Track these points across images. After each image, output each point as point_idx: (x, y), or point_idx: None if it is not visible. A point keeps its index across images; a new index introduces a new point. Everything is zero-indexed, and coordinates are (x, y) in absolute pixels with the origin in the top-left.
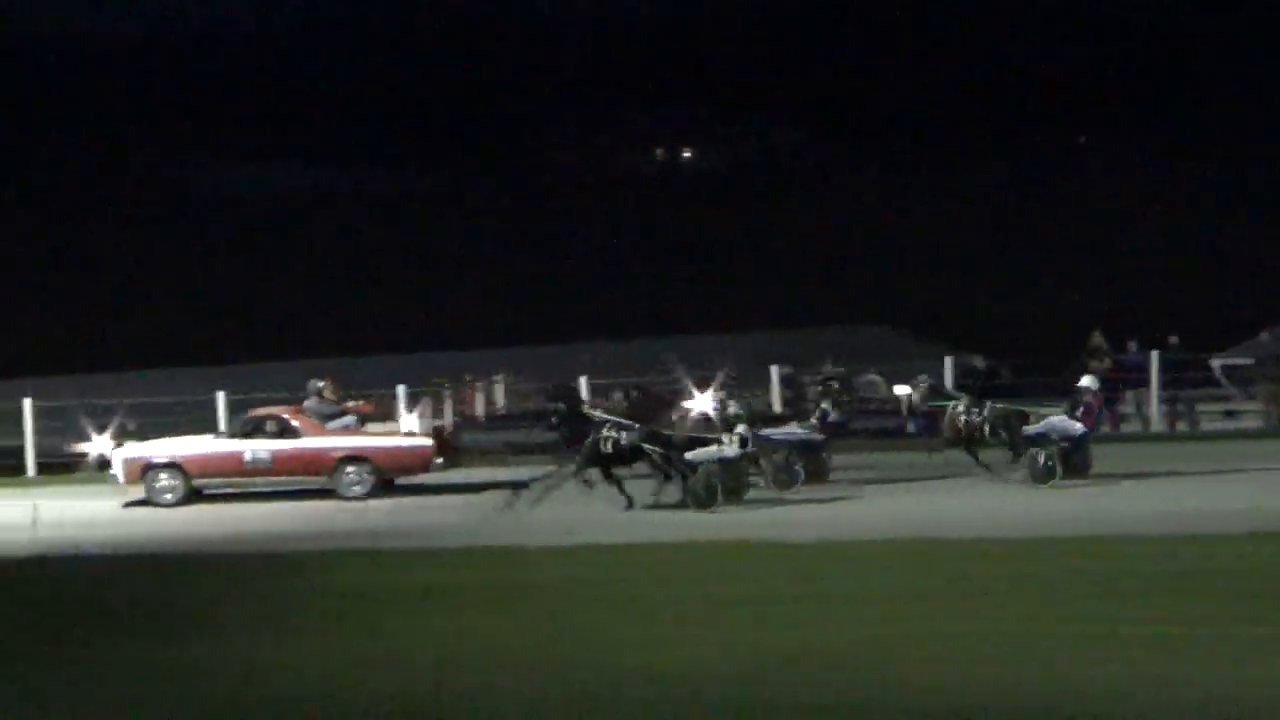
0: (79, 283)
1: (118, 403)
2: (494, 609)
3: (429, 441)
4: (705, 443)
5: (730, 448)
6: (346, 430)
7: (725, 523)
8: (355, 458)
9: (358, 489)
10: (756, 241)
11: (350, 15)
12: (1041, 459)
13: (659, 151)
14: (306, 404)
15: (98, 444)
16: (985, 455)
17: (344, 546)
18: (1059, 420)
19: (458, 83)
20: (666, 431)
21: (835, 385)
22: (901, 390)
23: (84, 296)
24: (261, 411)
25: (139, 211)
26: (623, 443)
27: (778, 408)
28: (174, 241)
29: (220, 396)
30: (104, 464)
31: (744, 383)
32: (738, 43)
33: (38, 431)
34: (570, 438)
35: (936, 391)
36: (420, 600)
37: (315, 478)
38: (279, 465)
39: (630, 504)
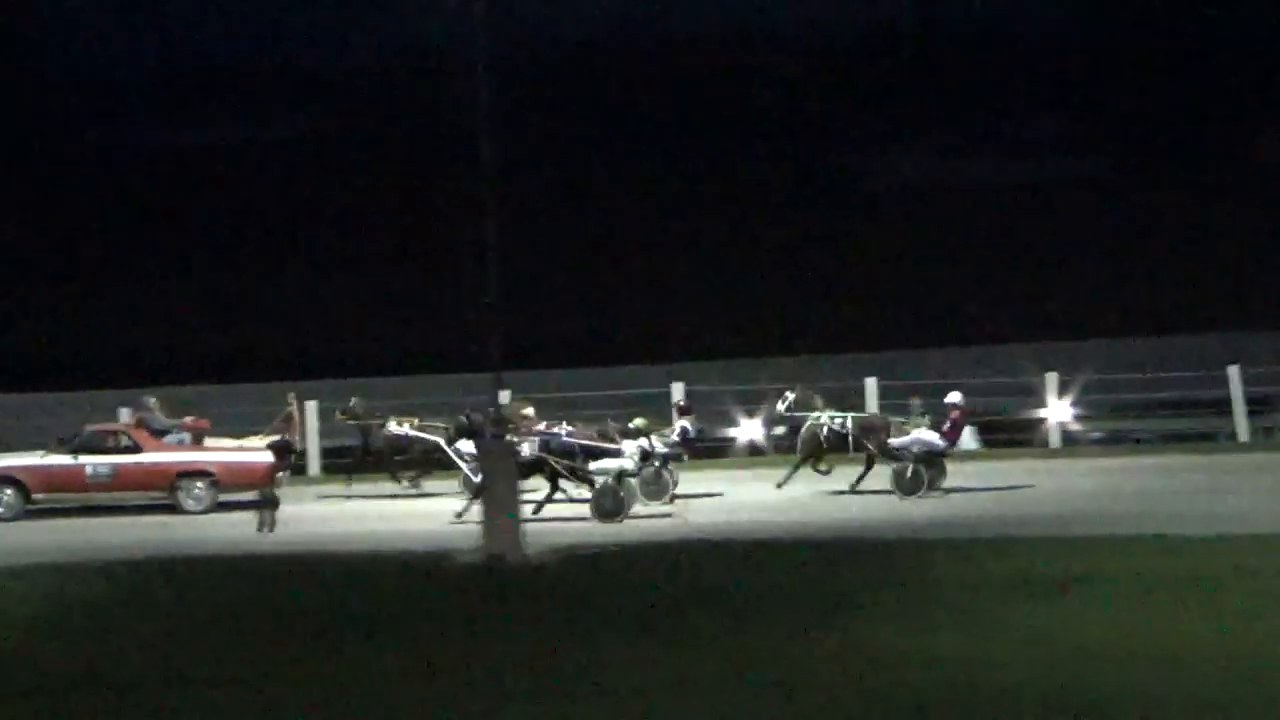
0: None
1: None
2: (1143, 600)
3: (268, 456)
4: (606, 454)
5: (630, 460)
6: (182, 446)
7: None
8: (195, 472)
9: (195, 504)
10: None
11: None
12: (909, 471)
13: None
14: (141, 419)
15: (746, 429)
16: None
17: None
18: (924, 434)
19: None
20: (570, 441)
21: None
22: None
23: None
24: (99, 426)
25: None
26: (524, 455)
27: None
28: (842, 230)
29: (871, 383)
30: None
31: None
32: None
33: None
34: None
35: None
36: (1059, 589)
37: (155, 493)
38: (120, 480)
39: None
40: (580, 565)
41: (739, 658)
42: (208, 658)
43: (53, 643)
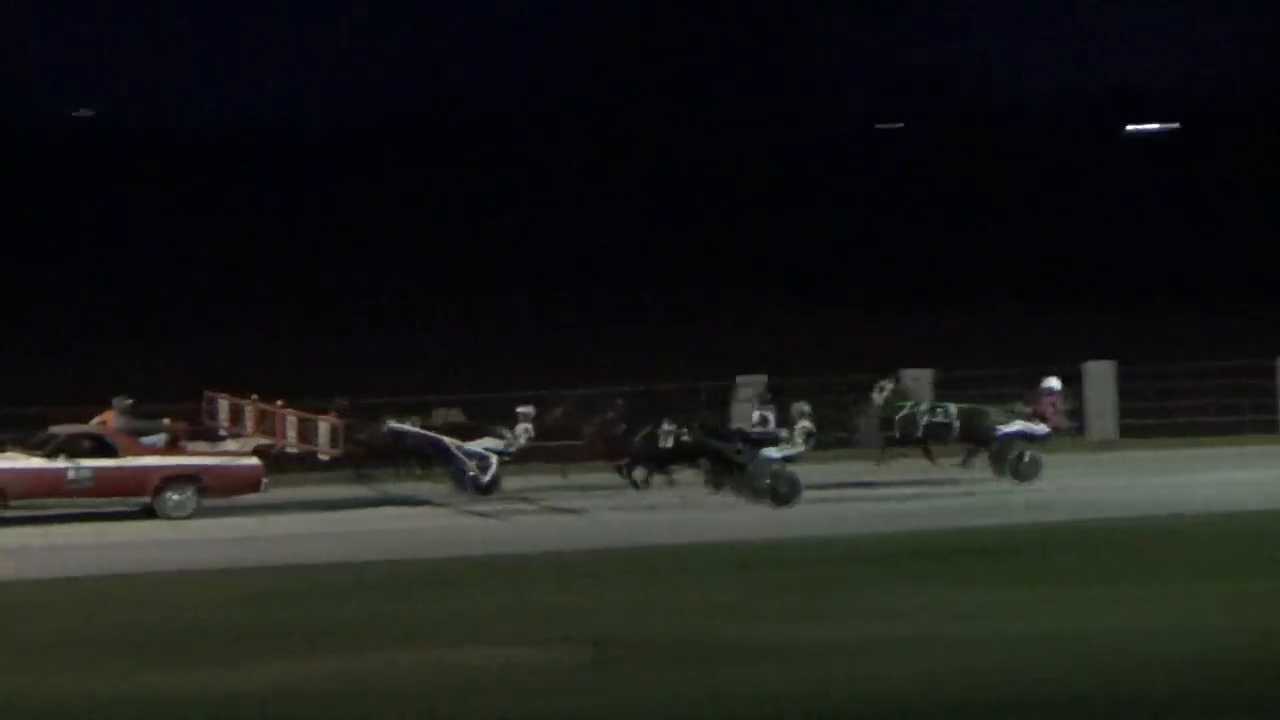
0: None
1: None
2: None
3: (258, 461)
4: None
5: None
6: (160, 449)
7: None
8: (180, 477)
9: (181, 510)
10: None
11: None
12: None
13: None
14: (115, 421)
15: None
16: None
17: None
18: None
19: None
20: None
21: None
22: None
23: None
24: (71, 428)
25: None
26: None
27: None
28: None
29: None
30: None
31: None
32: None
33: None
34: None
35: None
36: None
37: (136, 498)
38: (101, 485)
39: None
40: None
41: None
42: None
43: None
